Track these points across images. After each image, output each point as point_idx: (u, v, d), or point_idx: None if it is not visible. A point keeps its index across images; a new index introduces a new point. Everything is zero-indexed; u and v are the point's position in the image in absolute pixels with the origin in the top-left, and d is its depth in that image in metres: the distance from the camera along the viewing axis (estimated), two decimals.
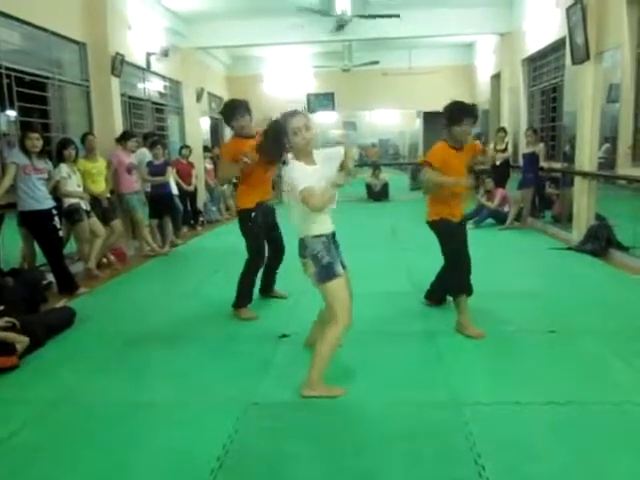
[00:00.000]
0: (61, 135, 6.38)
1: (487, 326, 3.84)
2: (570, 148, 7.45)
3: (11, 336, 3.48)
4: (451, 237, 3.85)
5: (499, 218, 8.39)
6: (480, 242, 6.83)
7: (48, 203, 5.02)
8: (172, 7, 9.31)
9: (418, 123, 14.93)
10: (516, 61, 9.68)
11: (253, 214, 4.26)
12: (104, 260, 6.36)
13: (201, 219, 9.67)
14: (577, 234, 6.73)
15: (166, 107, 9.96)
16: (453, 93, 13.31)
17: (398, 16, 9.06)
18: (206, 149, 10.95)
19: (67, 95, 6.73)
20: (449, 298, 4.19)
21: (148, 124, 9.05)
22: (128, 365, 3.50)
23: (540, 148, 8.02)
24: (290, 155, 2.86)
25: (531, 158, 8.00)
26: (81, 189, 5.80)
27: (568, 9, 6.68)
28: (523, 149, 8.61)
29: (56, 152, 5.73)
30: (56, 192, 5.43)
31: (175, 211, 7.76)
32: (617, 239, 6.14)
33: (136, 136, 7.27)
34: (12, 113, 5.91)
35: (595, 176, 6.69)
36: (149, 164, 7.27)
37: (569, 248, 6.54)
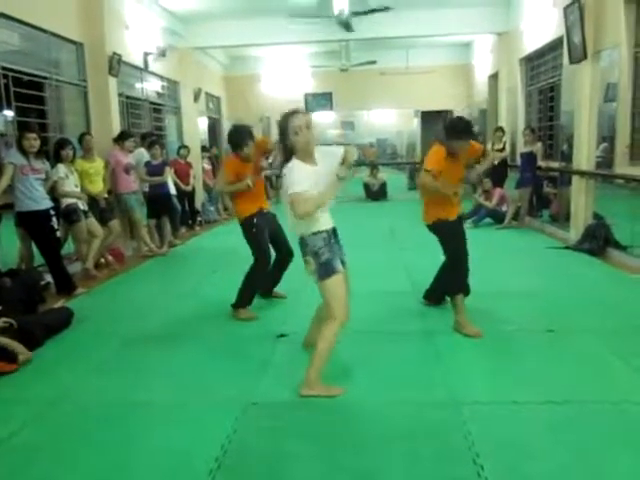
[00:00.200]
0: (58, 135, 6.37)
1: (485, 325, 3.84)
2: (568, 147, 7.46)
3: (19, 348, 3.47)
4: (452, 236, 3.88)
5: (497, 217, 8.40)
6: (478, 241, 6.84)
7: (46, 203, 5.01)
8: (169, 7, 9.30)
9: (416, 123, 14.95)
10: (514, 60, 9.68)
11: (255, 219, 4.30)
12: (102, 260, 6.35)
13: (199, 219, 9.67)
14: (575, 233, 6.74)
15: (164, 107, 9.95)
16: (451, 93, 13.45)
17: (388, 9, 9.07)
18: (204, 149, 10.95)
19: (64, 95, 6.72)
20: (447, 298, 4.18)
21: (146, 124, 9.04)
22: (126, 365, 3.50)
23: (538, 147, 8.03)
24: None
25: (529, 157, 8.01)
26: (79, 189, 5.79)
27: (565, 8, 6.69)
28: (521, 148, 8.62)
29: (53, 152, 5.72)
30: (54, 192, 5.42)
31: (173, 211, 7.75)
32: (615, 238, 6.15)
33: (134, 136, 7.26)
34: (9, 113, 5.90)
35: (593, 175, 6.70)
36: (147, 164, 7.27)
37: (567, 247, 6.55)
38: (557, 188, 8.07)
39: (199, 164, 10.30)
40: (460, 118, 4.01)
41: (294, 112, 2.83)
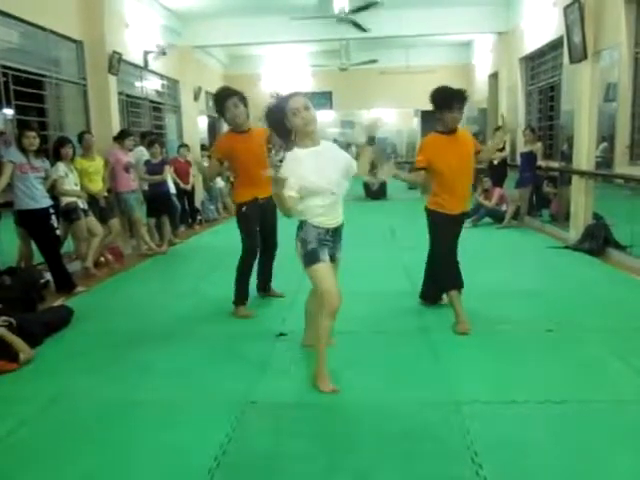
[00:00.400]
0: (58, 133, 6.37)
1: (484, 324, 3.85)
2: (568, 147, 7.46)
3: (20, 345, 3.47)
4: (438, 229, 3.86)
5: (497, 217, 8.40)
6: (478, 241, 6.86)
7: (45, 202, 5.01)
8: (169, 5, 9.29)
9: (416, 122, 14.95)
10: (514, 60, 9.68)
11: (244, 208, 4.25)
12: (101, 259, 6.35)
13: (199, 218, 9.67)
14: (574, 233, 6.75)
15: (164, 106, 9.94)
16: None
17: (369, 30, 9.20)
18: (204, 148, 10.94)
19: (64, 93, 6.72)
20: (444, 297, 4.18)
21: (146, 123, 9.04)
22: (126, 364, 3.50)
23: (538, 147, 8.03)
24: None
25: (529, 157, 8.01)
26: (78, 188, 5.79)
27: (566, 8, 6.68)
28: (521, 148, 8.62)
29: (53, 151, 5.72)
30: (53, 191, 5.42)
31: (173, 210, 7.75)
32: (614, 238, 6.15)
33: (133, 135, 7.26)
34: (9, 111, 5.89)
35: (592, 175, 6.70)
36: (147, 163, 7.26)
37: (566, 247, 6.55)
38: (557, 188, 8.07)
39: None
40: (447, 87, 3.81)
41: (292, 94, 2.86)
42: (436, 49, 13.41)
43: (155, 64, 9.08)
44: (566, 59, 7.07)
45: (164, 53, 9.14)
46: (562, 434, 2.51)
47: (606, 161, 6.86)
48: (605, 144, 7.01)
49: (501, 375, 3.15)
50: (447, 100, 3.68)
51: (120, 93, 7.66)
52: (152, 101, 9.34)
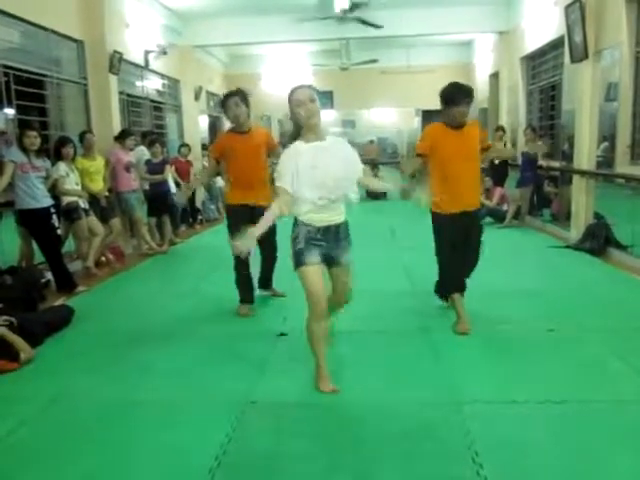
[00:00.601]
0: (59, 133, 6.37)
1: (485, 324, 3.85)
2: (569, 146, 7.46)
3: (21, 345, 3.47)
4: (434, 228, 3.81)
5: (497, 216, 8.39)
6: None
7: (46, 201, 5.01)
8: (170, 5, 9.30)
9: (416, 122, 14.94)
10: (515, 59, 9.67)
11: (231, 212, 4.31)
12: (102, 258, 6.35)
13: (200, 217, 9.67)
14: (575, 232, 6.74)
15: (164, 105, 9.95)
16: None
17: (380, 27, 9.15)
18: (204, 147, 10.94)
19: (65, 93, 6.72)
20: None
21: (146, 122, 9.04)
22: (126, 364, 3.50)
23: (539, 146, 8.02)
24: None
25: (529, 157, 8.00)
26: (79, 187, 5.79)
27: (567, 7, 6.67)
28: (522, 147, 8.61)
29: (54, 150, 5.72)
30: (54, 190, 5.42)
31: (174, 209, 7.75)
32: (615, 238, 6.15)
33: (134, 134, 7.26)
34: (10, 111, 5.90)
35: (593, 175, 6.69)
36: (147, 162, 7.26)
37: (567, 247, 6.54)
38: (558, 187, 8.07)
39: (200, 162, 10.30)
40: (455, 83, 3.75)
41: (299, 86, 2.83)
42: (437, 49, 13.41)
43: (156, 64, 9.08)
44: (567, 58, 7.06)
45: (165, 53, 9.14)
46: (562, 434, 2.51)
47: (607, 161, 6.85)
48: (606, 144, 7.01)
49: (502, 375, 3.15)
50: (453, 94, 3.63)
51: (121, 93, 7.66)
52: (153, 101, 9.35)
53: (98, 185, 6.21)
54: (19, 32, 5.88)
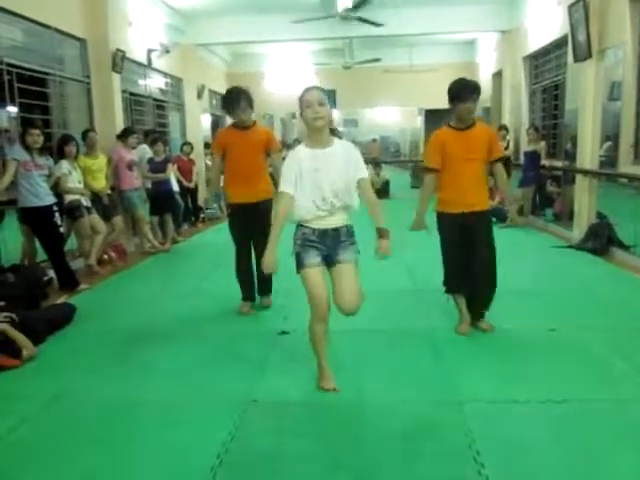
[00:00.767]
0: (62, 131, 6.38)
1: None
2: (572, 146, 7.44)
3: (23, 342, 3.48)
4: (438, 227, 3.76)
5: (500, 216, 8.37)
6: None
7: (49, 199, 5.02)
8: (172, 3, 9.29)
9: (419, 121, 14.94)
10: (518, 59, 9.65)
11: (229, 211, 4.29)
12: (105, 257, 6.36)
13: (202, 216, 9.68)
14: (578, 232, 6.73)
15: (167, 104, 9.95)
16: None
17: (380, 25, 9.14)
18: (207, 146, 10.95)
19: (68, 91, 6.73)
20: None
21: (149, 121, 9.05)
22: (128, 362, 3.50)
23: (542, 146, 8.00)
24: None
25: (532, 156, 7.99)
26: (82, 186, 5.80)
27: (570, 6, 6.66)
28: (524, 147, 8.59)
29: (57, 148, 5.74)
30: (57, 188, 5.43)
31: (176, 208, 7.77)
32: (618, 237, 6.14)
33: (137, 133, 7.27)
34: (13, 109, 5.90)
35: (596, 174, 6.68)
36: (150, 161, 7.27)
37: (570, 246, 6.53)
38: (560, 187, 8.05)
39: (202, 161, 10.31)
40: (461, 79, 3.68)
41: (310, 87, 2.83)
42: (440, 48, 13.38)
43: (158, 62, 9.08)
44: (570, 58, 7.05)
45: (168, 51, 9.14)
46: (564, 433, 2.51)
47: (610, 160, 6.84)
48: (609, 143, 6.99)
49: (503, 374, 3.14)
50: (459, 91, 3.57)
51: (124, 91, 7.67)
52: (155, 99, 9.35)
53: (100, 183, 6.23)
54: (22, 30, 5.88)
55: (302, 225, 2.83)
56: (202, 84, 11.18)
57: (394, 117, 16.30)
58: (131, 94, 8.19)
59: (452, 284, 3.83)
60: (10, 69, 5.50)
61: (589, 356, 3.37)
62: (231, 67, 14.10)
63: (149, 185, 7.40)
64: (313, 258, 2.81)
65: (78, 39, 6.80)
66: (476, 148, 3.60)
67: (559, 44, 7.95)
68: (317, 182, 2.73)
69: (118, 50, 7.13)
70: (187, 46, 10.29)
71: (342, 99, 14.07)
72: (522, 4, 9.29)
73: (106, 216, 6.21)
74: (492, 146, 3.68)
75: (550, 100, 8.91)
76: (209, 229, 9.04)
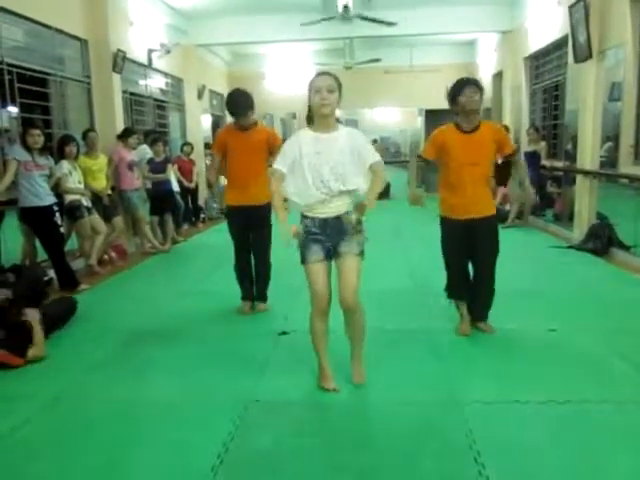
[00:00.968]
0: (62, 131, 6.38)
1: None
2: (572, 146, 7.44)
3: (38, 339, 3.48)
4: (441, 232, 3.72)
5: (500, 216, 8.37)
6: None
7: (49, 199, 5.02)
8: (173, 4, 9.30)
9: (419, 121, 14.93)
10: (518, 59, 9.65)
11: (227, 212, 4.29)
12: (105, 257, 6.37)
13: (202, 216, 9.69)
14: (578, 233, 6.73)
15: (167, 104, 9.95)
16: None
17: (393, 24, 9.09)
18: (207, 146, 10.95)
19: (68, 91, 6.73)
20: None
21: (149, 121, 9.05)
22: (129, 362, 3.51)
23: (542, 147, 8.01)
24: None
25: (533, 157, 7.99)
26: (82, 186, 5.81)
27: (571, 7, 6.66)
28: (525, 147, 8.60)
29: (57, 149, 5.74)
30: (57, 189, 5.44)
31: (176, 208, 7.77)
32: (618, 238, 6.14)
33: (137, 133, 7.27)
34: (13, 109, 5.90)
35: (597, 175, 6.68)
36: (150, 161, 7.28)
37: (570, 247, 6.53)
38: (561, 187, 8.06)
39: (202, 161, 10.31)
40: (459, 78, 3.60)
41: (322, 73, 2.80)
42: (440, 48, 13.38)
43: (159, 62, 9.09)
44: (571, 58, 7.05)
45: (168, 52, 9.14)
46: (564, 434, 2.51)
47: (610, 160, 6.84)
48: (610, 143, 6.99)
49: (503, 375, 3.14)
50: (458, 86, 3.48)
51: (124, 91, 7.67)
52: (156, 99, 9.35)
53: (101, 183, 6.23)
54: (23, 30, 5.88)
55: (305, 216, 2.82)
56: (202, 84, 11.19)
57: (394, 117, 16.31)
58: (131, 94, 8.19)
59: (454, 291, 3.82)
60: (11, 69, 5.50)
61: (589, 357, 3.37)
62: (231, 67, 14.11)
63: (149, 185, 7.40)
64: (315, 253, 2.79)
65: (79, 39, 6.80)
66: (481, 153, 3.51)
67: (559, 44, 7.95)
68: (317, 165, 2.71)
69: (119, 50, 7.13)
70: (188, 46, 10.29)
71: (342, 99, 14.00)
72: (522, 5, 9.29)
73: (106, 216, 6.21)
74: (501, 143, 3.59)
75: (550, 100, 8.91)
76: (209, 229, 9.04)
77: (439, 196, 3.72)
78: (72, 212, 5.69)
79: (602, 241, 6.14)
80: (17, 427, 2.69)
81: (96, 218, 5.92)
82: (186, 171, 8.77)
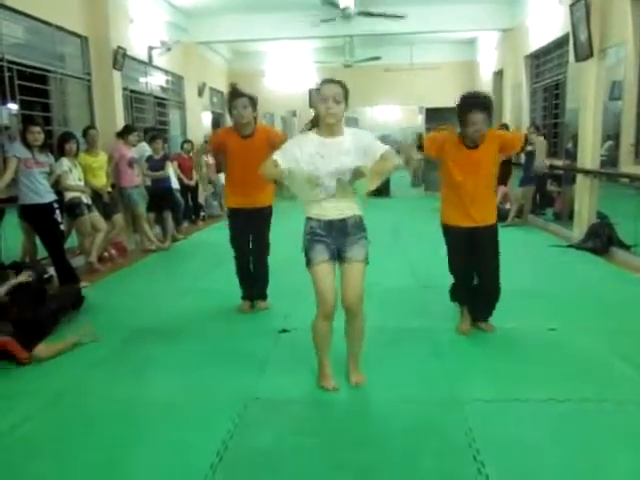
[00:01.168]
0: (62, 129, 6.38)
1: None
2: (572, 145, 7.44)
3: (50, 351, 3.48)
4: (445, 239, 3.71)
5: (500, 215, 8.35)
6: None
7: (49, 197, 5.01)
8: (173, 1, 9.30)
9: (420, 119, 14.91)
10: (519, 58, 9.65)
11: (228, 214, 4.28)
12: (105, 254, 6.36)
13: (202, 214, 9.68)
14: (578, 232, 6.73)
15: (168, 101, 9.95)
16: (455, 89, 13.38)
17: (402, 17, 9.05)
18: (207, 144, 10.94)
19: (69, 89, 6.73)
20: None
21: (150, 118, 9.05)
22: (129, 360, 3.51)
23: (540, 141, 7.97)
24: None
25: (533, 155, 7.98)
26: (82, 183, 5.80)
27: (571, 5, 6.66)
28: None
29: (57, 146, 5.73)
30: (57, 186, 5.43)
31: (176, 205, 7.76)
32: (618, 237, 6.14)
33: (137, 130, 7.26)
34: (14, 106, 5.90)
35: (597, 174, 6.68)
36: (149, 159, 7.27)
37: (570, 246, 6.53)
38: (561, 186, 8.05)
39: (202, 158, 10.28)
40: (468, 94, 3.43)
41: (329, 80, 2.75)
42: (440, 46, 13.37)
43: (159, 60, 9.08)
44: (571, 57, 7.05)
45: (169, 49, 9.14)
46: (564, 433, 2.51)
47: (611, 160, 6.84)
48: (610, 142, 6.99)
49: (503, 374, 3.14)
50: (464, 107, 3.32)
51: (124, 89, 7.66)
52: (156, 97, 9.35)
53: (101, 181, 6.23)
54: (23, 27, 5.88)
55: (310, 218, 2.82)
56: (203, 82, 11.18)
57: (395, 116, 16.28)
58: (132, 92, 8.19)
59: (459, 296, 3.84)
60: (11, 66, 5.50)
61: (589, 356, 3.37)
62: (232, 65, 14.10)
63: (149, 182, 7.40)
64: (321, 254, 2.78)
65: (79, 36, 6.80)
66: (483, 165, 3.47)
67: (560, 43, 7.95)
68: (319, 166, 2.69)
69: (119, 47, 7.12)
70: (188, 44, 10.29)
71: None
72: (523, 3, 9.28)
73: (106, 214, 6.20)
74: (506, 146, 3.55)
75: (551, 99, 8.92)
76: (209, 227, 9.03)
77: (441, 204, 3.71)
78: (72, 209, 5.69)
79: (602, 240, 6.14)
80: (17, 425, 2.69)
81: (96, 215, 5.91)
82: (186, 168, 8.75)
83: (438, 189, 3.76)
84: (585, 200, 6.73)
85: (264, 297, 4.44)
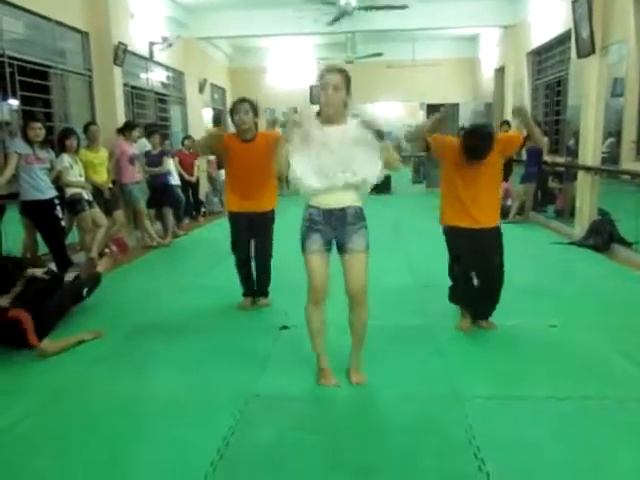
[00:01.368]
0: (63, 125, 6.37)
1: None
2: (574, 142, 7.42)
3: (58, 347, 3.51)
4: (450, 246, 3.69)
5: (501, 212, 8.35)
6: None
7: (50, 193, 5.02)
8: None
9: (421, 116, 14.87)
10: (520, 54, 9.62)
11: (229, 217, 4.28)
12: (106, 250, 6.36)
13: (203, 210, 9.67)
14: (579, 229, 6.72)
15: (169, 97, 9.93)
16: (457, 86, 13.37)
17: (405, 7, 8.99)
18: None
19: (69, 84, 6.71)
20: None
21: (151, 114, 9.03)
22: (130, 357, 3.51)
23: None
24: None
25: (534, 152, 7.96)
26: (83, 179, 5.80)
27: (574, 2, 6.63)
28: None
29: (58, 142, 5.72)
30: (58, 182, 5.43)
31: (177, 202, 7.75)
32: (620, 234, 6.13)
33: (138, 126, 7.25)
34: (14, 102, 5.89)
35: (598, 171, 6.66)
36: (147, 154, 7.26)
37: (571, 243, 6.53)
38: (562, 183, 8.04)
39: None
40: (472, 130, 3.49)
41: (331, 68, 2.72)
42: (442, 43, 13.33)
43: (160, 55, 9.06)
44: (573, 54, 7.02)
45: (170, 45, 9.11)
46: (565, 431, 2.51)
47: (612, 157, 6.82)
48: (612, 139, 6.97)
49: (504, 371, 3.14)
50: (468, 141, 3.39)
51: (125, 84, 7.65)
52: (157, 93, 9.33)
53: (102, 177, 6.22)
54: (24, 23, 5.86)
55: (309, 205, 2.81)
56: (204, 78, 11.16)
57: (396, 112, 16.25)
58: (133, 87, 8.17)
59: (459, 298, 3.83)
60: (12, 62, 5.49)
61: (590, 353, 3.37)
62: (233, 61, 14.07)
63: (148, 178, 7.39)
64: (315, 244, 2.78)
65: (79, 32, 6.78)
66: (486, 172, 3.49)
67: (562, 40, 7.92)
68: (322, 155, 2.68)
69: (120, 43, 7.11)
70: (189, 39, 10.26)
71: None
72: None
73: (107, 210, 6.20)
74: (507, 147, 3.58)
75: (553, 96, 8.89)
76: (210, 223, 9.03)
77: (441, 205, 3.69)
78: (73, 205, 5.68)
79: (603, 237, 6.13)
80: (17, 422, 2.70)
81: (97, 211, 5.91)
82: (187, 165, 8.75)
83: (439, 186, 3.75)
84: (586, 197, 6.72)
85: (266, 294, 4.46)
